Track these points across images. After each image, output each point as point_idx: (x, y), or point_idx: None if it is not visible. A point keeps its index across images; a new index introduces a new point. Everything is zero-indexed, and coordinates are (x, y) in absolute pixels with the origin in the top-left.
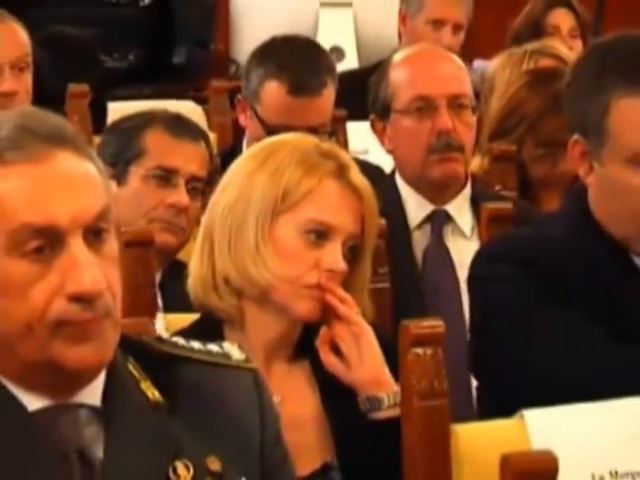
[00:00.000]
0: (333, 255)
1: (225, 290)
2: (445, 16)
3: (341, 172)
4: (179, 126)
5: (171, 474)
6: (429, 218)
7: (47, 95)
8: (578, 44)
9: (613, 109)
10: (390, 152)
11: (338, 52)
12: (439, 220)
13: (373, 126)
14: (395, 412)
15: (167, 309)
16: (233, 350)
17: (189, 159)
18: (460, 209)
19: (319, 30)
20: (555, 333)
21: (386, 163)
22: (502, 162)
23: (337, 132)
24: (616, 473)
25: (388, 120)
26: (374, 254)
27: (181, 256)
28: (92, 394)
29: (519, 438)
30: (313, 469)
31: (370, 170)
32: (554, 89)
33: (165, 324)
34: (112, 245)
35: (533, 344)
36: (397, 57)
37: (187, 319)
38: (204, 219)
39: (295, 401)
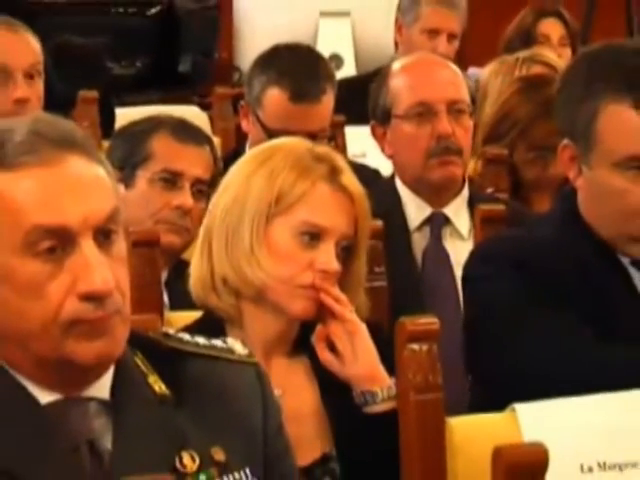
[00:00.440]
0: (326, 256)
1: (223, 290)
2: (440, 26)
3: (333, 175)
4: (184, 131)
5: (177, 464)
6: (428, 220)
7: (57, 101)
8: (567, 52)
9: (601, 115)
10: (390, 157)
11: (337, 60)
12: (437, 222)
13: (373, 132)
14: (389, 405)
15: (173, 306)
16: (236, 345)
17: (194, 163)
18: (458, 211)
19: (319, 39)
20: (546, 331)
21: (383, 166)
22: (495, 165)
23: (336, 136)
24: (604, 464)
25: (388, 125)
26: (371, 254)
27: (186, 256)
28: (101, 388)
29: (511, 431)
30: (313, 459)
31: (367, 173)
32: (544, 95)
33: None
34: (121, 246)
35: (524, 342)
36: (396, 65)
37: (192, 316)
38: (204, 221)
39: (295, 395)
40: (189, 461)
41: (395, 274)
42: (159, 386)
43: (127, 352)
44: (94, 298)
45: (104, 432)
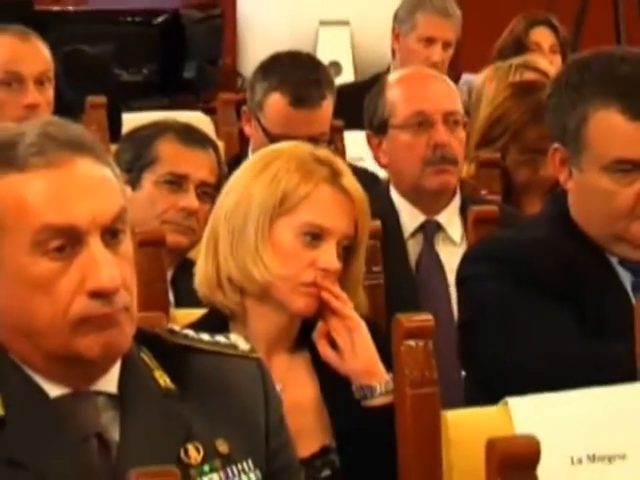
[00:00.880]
0: (328, 255)
1: (229, 288)
2: (435, 34)
3: (335, 178)
4: (189, 135)
5: (182, 456)
6: (421, 228)
7: (67, 107)
8: (558, 59)
9: (590, 120)
10: (385, 166)
11: (336, 67)
12: (430, 230)
13: (369, 141)
14: (387, 399)
15: (178, 304)
16: (239, 341)
17: (198, 166)
18: (450, 219)
19: (318, 46)
20: (537, 328)
21: (380, 169)
22: (488, 168)
23: (335, 141)
24: (593, 456)
25: (385, 136)
26: (369, 253)
27: (191, 255)
28: (109, 382)
29: (504, 424)
30: (313, 451)
31: (365, 176)
32: (535, 100)
33: None
34: (128, 245)
35: (517, 339)
36: (392, 78)
37: (197, 313)
38: (210, 222)
39: (296, 389)
40: (194, 453)
41: (391, 278)
42: (164, 380)
43: (133, 348)
44: (102, 295)
45: (112, 425)
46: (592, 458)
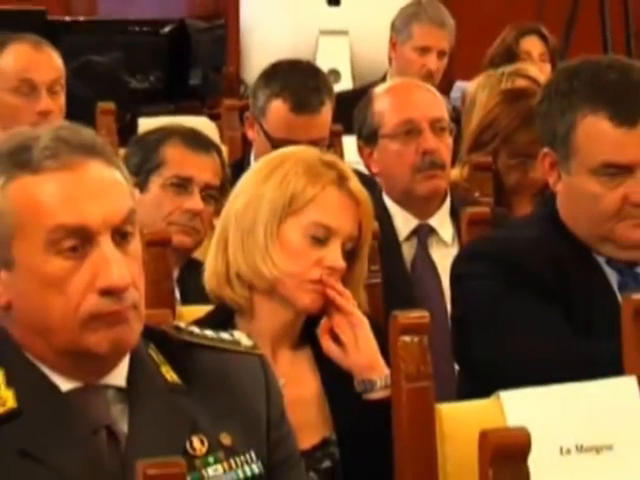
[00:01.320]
0: (334, 254)
1: (237, 284)
2: (431, 44)
3: (341, 181)
4: (194, 140)
5: (188, 447)
6: (415, 232)
7: (77, 112)
8: (547, 67)
9: (579, 126)
10: (377, 174)
11: (335, 74)
12: (423, 233)
13: (360, 152)
14: (387, 393)
15: (184, 301)
16: (243, 338)
17: (203, 169)
18: (442, 221)
19: (318, 55)
20: (527, 326)
21: None
22: (480, 171)
23: (334, 145)
24: (581, 447)
25: (375, 145)
26: (368, 253)
27: (196, 254)
28: (118, 376)
29: (496, 416)
30: (314, 444)
31: (364, 179)
32: (525, 106)
33: None
34: (136, 245)
35: (507, 335)
36: (378, 90)
37: (202, 310)
38: (220, 222)
39: (298, 383)
40: (198, 445)
41: (389, 279)
42: (171, 375)
43: (141, 344)
44: (112, 293)
45: (121, 417)
46: (580, 449)
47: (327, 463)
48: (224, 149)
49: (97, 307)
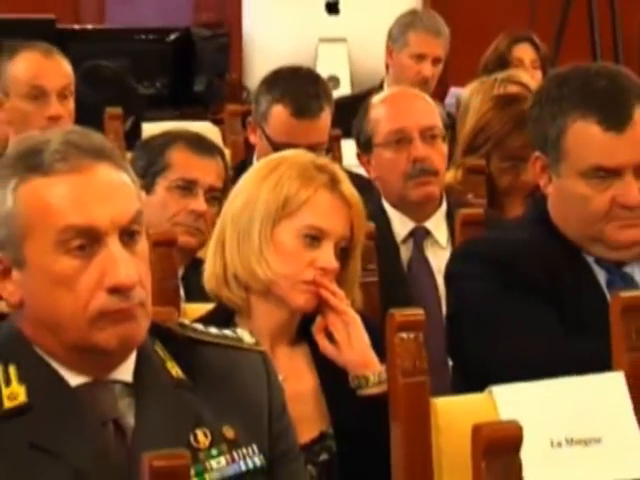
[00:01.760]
0: (326, 255)
1: (234, 285)
2: (426, 51)
3: (333, 184)
4: (198, 144)
5: (192, 440)
6: (411, 234)
7: (86, 118)
8: (538, 74)
9: (569, 131)
10: (375, 180)
11: (334, 81)
12: (419, 236)
13: (359, 159)
14: (380, 389)
15: (188, 299)
16: (245, 335)
17: (207, 172)
18: (437, 224)
19: (318, 62)
20: (519, 324)
21: None
22: (473, 174)
23: (333, 149)
24: (571, 440)
25: (371, 153)
26: (364, 253)
27: (200, 254)
28: (125, 372)
29: (489, 410)
30: (312, 437)
31: (361, 181)
32: (516, 111)
33: None
34: (143, 245)
35: (500, 334)
36: (375, 99)
37: (205, 308)
38: (218, 224)
39: (296, 379)
40: (202, 438)
41: (386, 279)
42: (176, 371)
43: (148, 340)
44: (119, 291)
45: (127, 411)
46: (570, 441)
47: (324, 456)
48: (227, 153)
49: (105, 305)
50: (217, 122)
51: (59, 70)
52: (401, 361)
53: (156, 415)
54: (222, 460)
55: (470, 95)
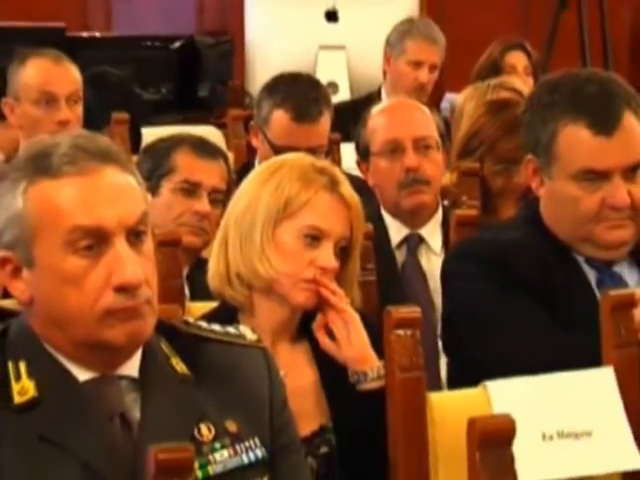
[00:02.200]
0: (326, 255)
1: (237, 283)
2: (423, 58)
3: (333, 186)
4: (202, 147)
5: (196, 434)
6: (406, 240)
7: (93, 122)
8: (530, 80)
9: (560, 135)
10: (373, 187)
11: (333, 87)
12: (413, 242)
13: (359, 167)
14: (378, 384)
15: (193, 298)
16: (247, 332)
17: (211, 174)
18: (432, 232)
19: (318, 68)
20: (512, 321)
21: None
22: (468, 177)
23: (332, 152)
24: (562, 433)
25: (368, 161)
26: (362, 253)
27: (205, 254)
28: (131, 367)
29: (483, 404)
30: (312, 431)
31: (359, 183)
32: (508, 116)
33: None
34: (149, 245)
35: (494, 330)
36: (374, 110)
37: (209, 306)
38: (221, 225)
39: (297, 374)
40: (206, 431)
41: (382, 281)
42: (180, 367)
43: (153, 337)
44: (126, 289)
45: (134, 406)
46: (561, 434)
47: (324, 449)
48: (230, 156)
49: (113, 303)
50: (220, 126)
51: (68, 76)
52: (398, 357)
53: (161, 409)
54: (225, 453)
55: (464, 100)
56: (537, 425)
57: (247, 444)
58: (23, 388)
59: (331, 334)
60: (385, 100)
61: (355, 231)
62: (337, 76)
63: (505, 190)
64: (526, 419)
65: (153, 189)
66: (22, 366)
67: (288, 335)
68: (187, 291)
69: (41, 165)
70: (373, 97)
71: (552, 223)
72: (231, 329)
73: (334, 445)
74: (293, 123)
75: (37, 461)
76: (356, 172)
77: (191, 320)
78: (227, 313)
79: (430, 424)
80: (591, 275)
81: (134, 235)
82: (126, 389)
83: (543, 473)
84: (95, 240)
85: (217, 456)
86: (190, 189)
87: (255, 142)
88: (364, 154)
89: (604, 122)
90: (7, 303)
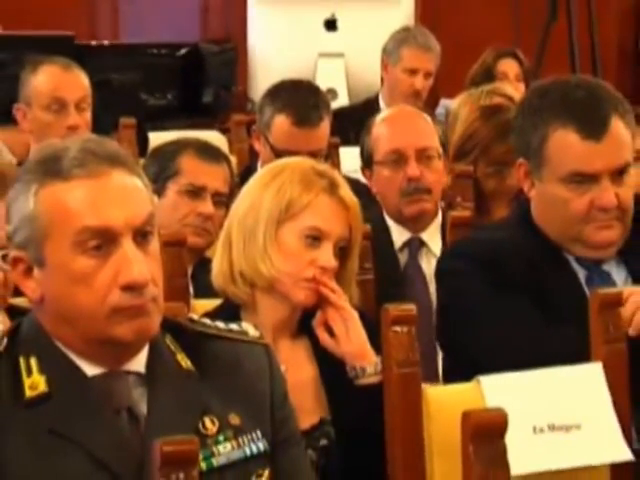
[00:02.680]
0: (326, 255)
1: (240, 281)
2: (418, 66)
3: (333, 188)
4: (206, 151)
5: (200, 427)
6: (407, 243)
7: (102, 126)
8: (522, 86)
9: (550, 139)
10: (376, 194)
11: (332, 93)
12: (414, 246)
13: (363, 173)
14: (376, 379)
15: (197, 296)
16: (250, 329)
17: (214, 177)
18: (432, 236)
19: (317, 75)
20: (503, 317)
21: None
22: (462, 179)
23: (332, 156)
24: (553, 426)
25: (372, 169)
26: (360, 253)
27: (208, 253)
28: (138, 363)
29: (476, 398)
30: (312, 424)
31: (359, 187)
32: (501, 120)
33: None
34: (155, 245)
35: (484, 325)
36: (378, 118)
37: (213, 304)
38: (225, 225)
39: (297, 370)
40: (210, 425)
41: (383, 283)
42: (185, 362)
43: (159, 334)
44: (133, 288)
45: (140, 400)
46: (552, 428)
47: (324, 442)
48: (233, 159)
49: (120, 301)
50: (224, 131)
51: (78, 83)
52: (395, 353)
53: (167, 404)
54: (228, 445)
55: (458, 106)
56: (528, 418)
57: (249, 437)
58: (34, 383)
59: (330, 331)
60: (383, 106)
61: (354, 232)
62: (336, 82)
63: (498, 192)
64: (518, 412)
65: (159, 191)
66: (33, 362)
67: (289, 332)
68: (191, 289)
69: (52, 168)
70: (371, 103)
71: (543, 224)
72: (234, 326)
73: (333, 438)
74: (294, 128)
75: (47, 453)
76: (355, 175)
77: (196, 317)
78: (230, 310)
79: (425, 417)
80: (581, 274)
81: (141, 235)
82: (133, 384)
83: (534, 465)
84: (103, 240)
85: (221, 448)
86: (195, 191)
87: (257, 146)
88: (368, 162)
89: (592, 127)
90: (18, 301)
